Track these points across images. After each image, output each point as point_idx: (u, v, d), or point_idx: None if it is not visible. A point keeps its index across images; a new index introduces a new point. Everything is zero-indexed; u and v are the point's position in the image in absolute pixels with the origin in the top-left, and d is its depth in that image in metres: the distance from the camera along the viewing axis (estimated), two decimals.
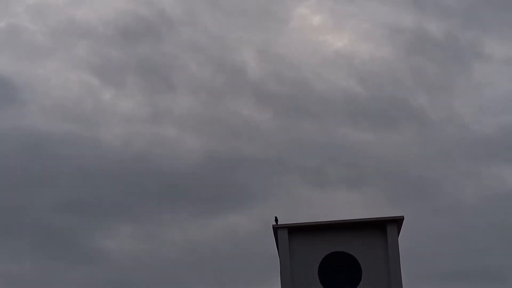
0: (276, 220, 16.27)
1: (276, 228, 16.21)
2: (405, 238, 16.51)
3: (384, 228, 16.04)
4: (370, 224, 16.16)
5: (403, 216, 16.09)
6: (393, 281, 15.75)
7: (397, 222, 16.10)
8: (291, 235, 16.15)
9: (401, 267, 15.89)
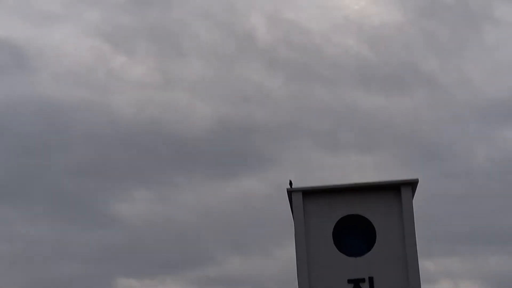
0: (291, 183, 16.19)
1: (291, 192, 16.13)
2: (418, 201, 16.44)
3: (398, 191, 15.94)
4: (384, 187, 16.06)
5: (417, 178, 15.98)
6: (408, 243, 15.71)
7: (412, 184, 15.99)
8: (306, 198, 16.09)
9: (415, 229, 15.85)
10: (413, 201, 16.12)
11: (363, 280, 15.68)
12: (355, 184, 16.20)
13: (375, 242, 15.83)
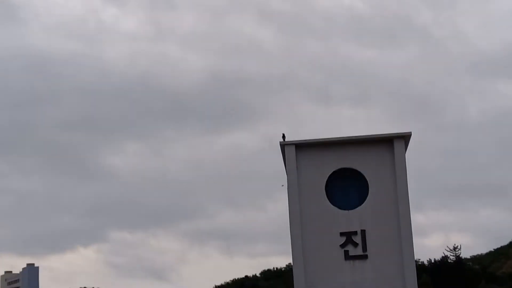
0: (284, 137, 16.25)
1: (283, 145, 16.20)
2: (410, 155, 16.52)
3: (391, 144, 16.02)
4: (377, 140, 16.13)
5: (410, 132, 16.08)
6: (400, 196, 15.82)
7: (405, 138, 16.08)
8: (299, 151, 16.15)
9: (407, 182, 15.91)
10: (406, 154, 16.18)
11: (355, 233, 15.79)
12: (348, 137, 16.22)
13: (367, 195, 15.91)
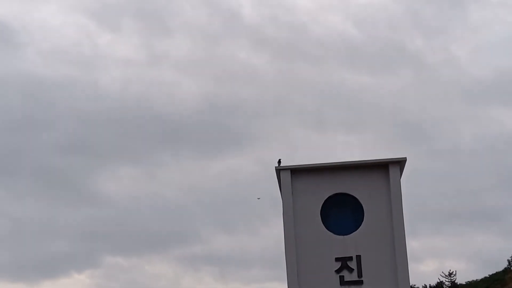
0: (279, 162, 16.27)
1: (279, 170, 16.18)
2: (405, 180, 16.52)
3: (386, 170, 16.03)
4: (372, 165, 16.14)
5: (405, 157, 16.09)
6: (395, 221, 15.79)
7: (400, 163, 16.09)
8: (294, 176, 16.14)
9: (402, 208, 15.91)
10: (400, 180, 16.19)
11: (350, 258, 15.75)
12: (343, 162, 16.22)
13: (363, 221, 15.89)
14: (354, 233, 15.87)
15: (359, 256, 15.73)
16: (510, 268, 71.84)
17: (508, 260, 73.06)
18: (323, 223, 15.94)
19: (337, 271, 15.73)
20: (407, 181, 16.90)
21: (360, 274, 15.66)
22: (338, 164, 16.19)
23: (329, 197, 16.03)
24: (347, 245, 15.79)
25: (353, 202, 16.01)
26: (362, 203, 15.96)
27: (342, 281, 15.67)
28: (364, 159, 16.22)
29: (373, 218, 15.89)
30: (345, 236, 15.85)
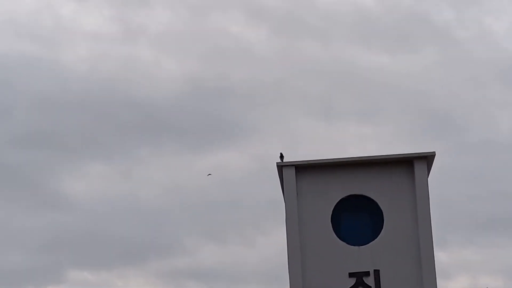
0: (282, 156, 16.14)
1: (281, 166, 16.06)
2: (431, 181, 16.41)
3: (411, 167, 15.90)
4: (394, 161, 16.02)
5: (434, 152, 15.94)
6: (422, 229, 15.65)
7: (427, 159, 15.93)
8: (299, 174, 16.01)
9: (430, 212, 15.84)
10: (428, 179, 16.07)
11: (367, 273, 15.63)
12: (359, 158, 16.12)
13: (382, 228, 15.78)
14: (371, 243, 15.76)
15: (377, 271, 15.61)
16: None
17: None
18: (334, 230, 15.82)
19: None
20: (434, 181, 16.82)
21: None
22: (353, 159, 16.08)
23: (342, 200, 15.92)
24: (363, 257, 15.69)
25: (371, 205, 15.91)
26: (381, 206, 15.86)
27: None
28: (380, 154, 16.12)
29: (394, 225, 15.77)
30: (360, 247, 15.75)
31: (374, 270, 15.65)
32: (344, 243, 15.77)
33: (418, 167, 15.87)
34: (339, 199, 15.94)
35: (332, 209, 15.90)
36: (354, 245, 15.77)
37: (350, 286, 15.62)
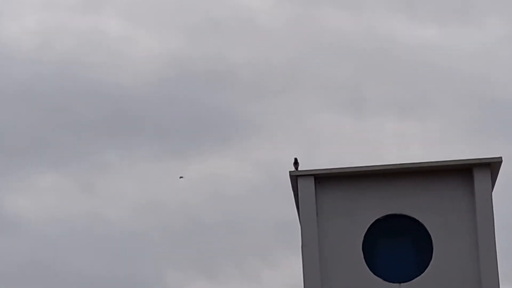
0: (296, 163, 16.22)
1: (296, 177, 16.15)
2: (495, 193, 16.48)
3: (469, 177, 16.00)
4: (446, 170, 16.13)
5: (500, 157, 16.01)
6: (484, 258, 15.73)
7: (490, 166, 16.02)
8: (320, 187, 16.13)
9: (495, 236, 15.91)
10: (492, 192, 16.14)
11: None
12: (399, 166, 16.23)
13: (430, 259, 15.88)
14: (416, 279, 15.89)
15: None
16: None
17: None
18: (366, 262, 15.95)
19: None
20: (499, 195, 16.89)
21: None
22: (391, 168, 16.21)
23: (377, 221, 16.06)
24: None
25: (415, 229, 16.04)
26: (429, 230, 15.98)
27: None
28: (432, 160, 16.23)
29: (447, 254, 15.88)
30: (401, 284, 15.87)
31: None
32: (380, 279, 15.92)
33: (479, 177, 15.95)
34: (373, 221, 16.07)
35: (364, 234, 16.03)
36: (393, 282, 15.91)
37: None
